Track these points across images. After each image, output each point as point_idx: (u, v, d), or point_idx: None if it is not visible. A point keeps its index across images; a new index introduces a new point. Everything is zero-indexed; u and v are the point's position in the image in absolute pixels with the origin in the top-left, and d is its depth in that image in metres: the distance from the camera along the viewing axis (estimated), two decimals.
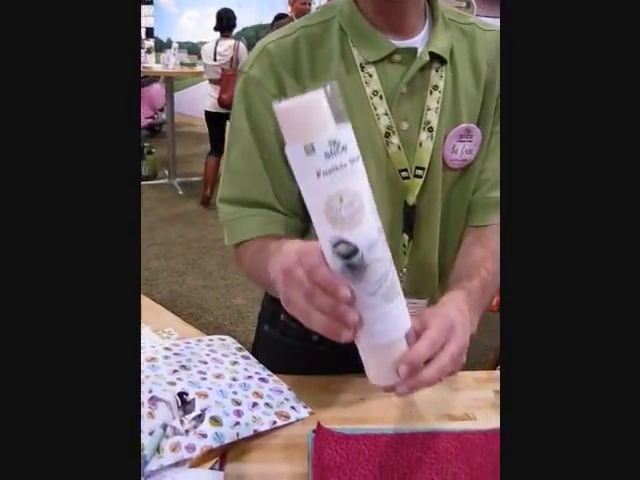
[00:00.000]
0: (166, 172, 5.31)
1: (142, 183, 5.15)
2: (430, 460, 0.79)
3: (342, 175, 0.49)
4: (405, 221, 0.90)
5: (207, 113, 4.72)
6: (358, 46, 0.84)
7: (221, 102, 4.41)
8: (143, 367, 0.95)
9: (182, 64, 5.33)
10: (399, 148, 0.85)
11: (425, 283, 0.96)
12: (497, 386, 0.93)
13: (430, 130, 0.85)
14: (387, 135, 0.85)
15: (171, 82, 5.25)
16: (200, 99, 7.68)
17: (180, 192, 5.00)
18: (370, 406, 0.94)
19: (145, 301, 1.22)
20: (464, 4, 5.01)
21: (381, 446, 0.80)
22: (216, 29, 4.80)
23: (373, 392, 0.98)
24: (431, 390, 0.99)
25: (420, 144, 0.86)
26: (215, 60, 4.68)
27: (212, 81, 4.70)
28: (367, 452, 0.79)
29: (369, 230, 0.51)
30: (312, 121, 0.49)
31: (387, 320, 0.55)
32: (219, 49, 4.68)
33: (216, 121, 4.54)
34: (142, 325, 1.11)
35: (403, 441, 0.81)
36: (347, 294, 0.51)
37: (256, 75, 0.85)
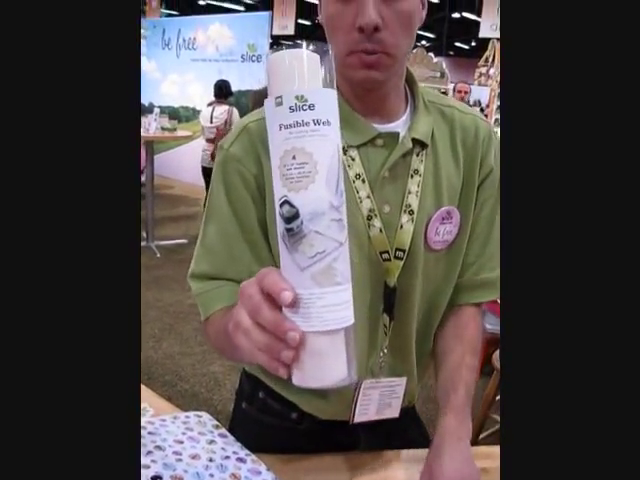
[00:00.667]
0: (144, 234, 5.29)
1: None
2: None
3: (301, 133, 0.48)
4: (385, 302, 0.90)
5: (203, 168, 5.42)
6: (340, 130, 0.85)
7: (214, 157, 4.50)
8: None
9: (163, 129, 5.39)
10: (381, 231, 0.86)
11: (405, 362, 0.96)
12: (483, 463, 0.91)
13: (411, 213, 0.86)
14: (369, 218, 0.85)
15: (151, 146, 5.29)
16: (179, 161, 7.81)
17: (157, 255, 4.97)
18: None
19: None
20: (438, 74, 5.19)
21: None
22: (216, 96, 5.40)
23: (356, 471, 0.95)
24: (411, 468, 0.97)
25: (401, 226, 0.86)
26: (212, 122, 5.33)
27: (208, 140, 5.38)
28: None
29: (317, 199, 0.48)
30: (288, 74, 0.48)
31: (313, 306, 0.50)
32: (215, 113, 5.33)
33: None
34: None
35: None
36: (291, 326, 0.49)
37: (236, 153, 0.85)
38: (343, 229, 0.51)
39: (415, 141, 0.86)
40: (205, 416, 1.08)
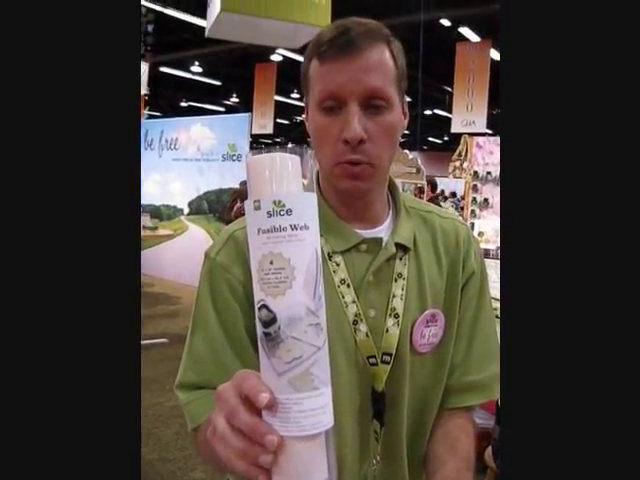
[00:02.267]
0: None
1: None
2: None
3: (278, 238, 0.48)
4: (375, 408, 0.88)
5: None
6: (326, 236, 0.87)
7: None
8: None
9: (145, 227, 5.44)
10: (367, 335, 0.86)
11: (398, 469, 0.93)
12: None
13: (396, 317, 0.87)
14: (355, 322, 0.85)
15: None
16: (160, 259, 7.82)
17: None
18: None
19: None
20: (414, 170, 5.35)
21: None
22: None
23: None
24: None
25: (387, 330, 0.86)
26: None
27: None
28: None
29: (294, 304, 0.48)
30: (267, 178, 0.49)
31: (290, 410, 0.49)
32: None
33: None
34: None
35: None
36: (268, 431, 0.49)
37: (223, 261, 0.86)
38: (321, 332, 0.50)
39: (398, 246, 0.88)
40: None
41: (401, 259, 0.89)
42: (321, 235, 0.87)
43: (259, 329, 0.50)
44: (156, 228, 5.62)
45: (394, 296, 0.87)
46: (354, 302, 0.86)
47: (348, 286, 0.86)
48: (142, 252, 6.75)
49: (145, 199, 7.80)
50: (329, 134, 0.80)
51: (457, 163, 6.59)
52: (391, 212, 0.93)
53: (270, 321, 0.49)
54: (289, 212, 0.48)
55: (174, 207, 7.84)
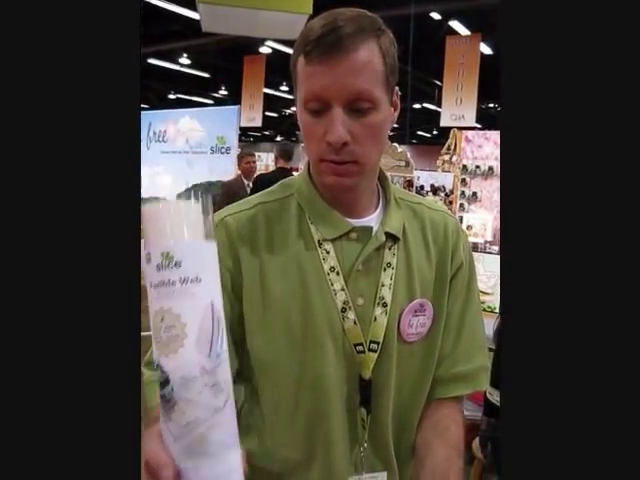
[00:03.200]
0: None
1: None
2: None
3: (168, 293, 0.44)
4: (362, 395, 0.89)
5: None
6: (316, 224, 0.88)
7: None
8: None
9: None
10: (355, 323, 0.87)
11: (384, 456, 0.94)
12: None
13: (384, 305, 0.88)
14: (343, 310, 0.86)
15: None
16: None
17: None
18: None
19: None
20: (403, 163, 5.36)
21: None
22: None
23: None
24: None
25: (375, 319, 0.87)
26: None
27: None
28: None
29: (186, 364, 0.45)
30: (157, 228, 0.45)
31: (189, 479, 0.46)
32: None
33: None
34: None
35: None
36: None
37: None
38: (221, 393, 0.46)
39: (388, 235, 0.89)
40: None
41: (390, 249, 0.89)
42: (312, 223, 0.88)
43: (158, 389, 0.47)
44: None
45: (383, 285, 0.88)
46: (343, 290, 0.86)
47: (337, 274, 0.86)
48: None
49: None
50: (314, 133, 0.81)
51: (446, 157, 6.62)
52: (381, 202, 0.94)
53: (164, 382, 0.46)
54: (178, 264, 0.44)
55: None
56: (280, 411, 0.90)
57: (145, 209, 0.46)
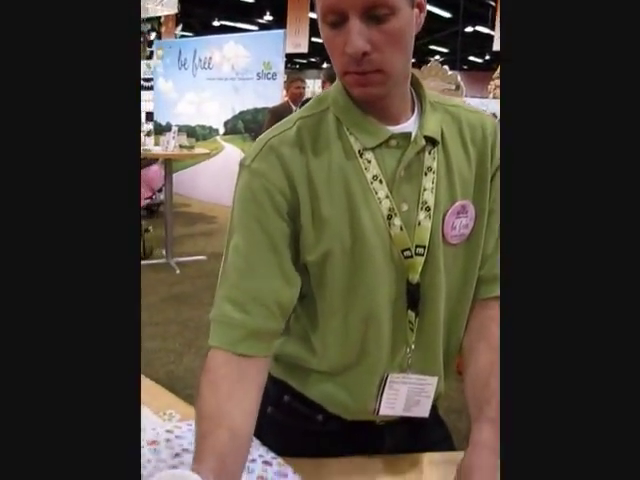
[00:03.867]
0: (163, 252, 5.33)
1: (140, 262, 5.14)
2: None
3: None
4: (409, 299, 0.91)
5: None
6: (355, 134, 0.88)
7: None
8: (144, 451, 0.92)
9: (181, 146, 5.44)
10: (401, 229, 0.88)
11: (432, 360, 0.97)
12: None
13: (427, 209, 0.89)
14: (389, 217, 0.87)
15: (170, 164, 5.35)
16: (195, 180, 7.89)
17: (177, 272, 5.00)
18: None
19: (145, 382, 1.20)
20: (453, 87, 5.20)
21: None
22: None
23: (382, 474, 0.95)
24: (437, 469, 0.97)
25: (419, 223, 0.88)
26: None
27: None
28: None
29: None
30: None
31: None
32: None
33: None
34: (142, 406, 1.09)
35: None
36: None
37: (259, 168, 0.86)
38: None
39: (427, 139, 0.89)
40: None
41: (430, 153, 0.89)
42: (350, 133, 0.88)
43: None
44: (192, 147, 5.59)
45: (425, 189, 0.88)
46: (387, 197, 0.87)
47: (380, 182, 0.87)
48: (177, 173, 6.81)
49: (180, 120, 7.78)
50: (335, 47, 0.80)
51: (498, 82, 6.38)
52: (417, 108, 0.93)
53: None
54: None
55: (209, 127, 7.83)
56: (332, 317, 0.93)
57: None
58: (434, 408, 1.06)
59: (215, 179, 7.40)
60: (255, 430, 1.08)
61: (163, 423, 1.06)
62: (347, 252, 0.88)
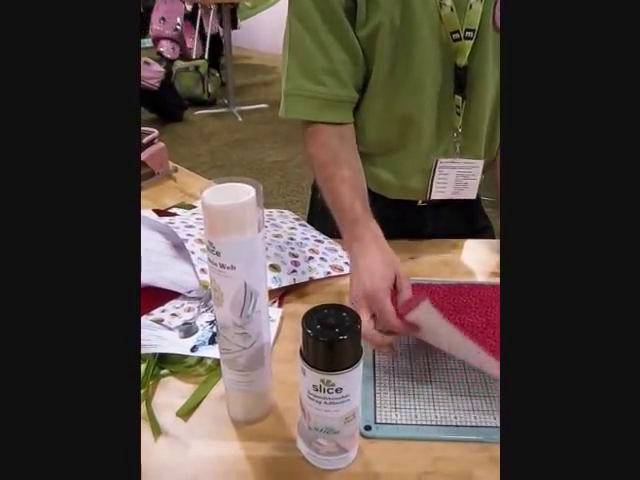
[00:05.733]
0: (226, 101, 5.38)
1: (203, 112, 5.23)
2: (475, 304, 0.83)
3: (213, 270, 0.58)
4: (457, 82, 0.92)
5: None
6: None
7: None
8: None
9: None
10: (452, 10, 0.87)
11: (477, 145, 0.99)
12: None
13: None
14: None
15: (227, 10, 5.23)
16: (255, 33, 7.69)
17: (239, 119, 5.07)
18: (420, 263, 1.00)
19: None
20: None
21: (430, 293, 0.85)
22: None
23: (422, 252, 1.03)
24: (478, 252, 1.03)
25: (470, 6, 0.87)
26: None
27: None
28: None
29: (223, 317, 0.61)
30: (210, 222, 0.56)
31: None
32: None
33: None
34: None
35: (450, 290, 0.85)
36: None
37: None
38: (248, 338, 0.62)
39: None
40: (287, 212, 1.18)
41: None
42: None
43: None
44: None
45: None
46: None
47: None
48: (239, 25, 6.65)
49: None
50: None
51: None
52: None
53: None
54: (218, 254, 0.56)
55: None
56: (377, 95, 0.95)
57: (206, 207, 0.55)
58: (477, 199, 1.11)
59: (275, 30, 7.16)
60: (307, 218, 1.17)
61: None
62: (396, 29, 0.88)
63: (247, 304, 0.60)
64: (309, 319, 0.56)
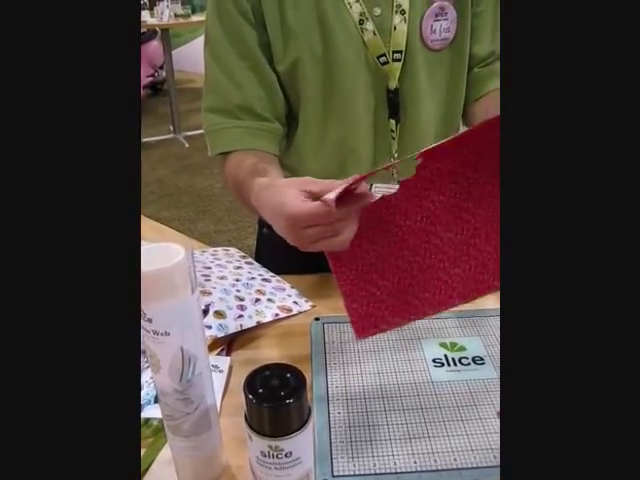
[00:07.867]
0: (171, 127, 5.30)
1: (149, 139, 5.15)
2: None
3: (146, 336, 0.55)
4: (390, 106, 0.91)
5: None
6: None
7: None
8: None
9: (176, 15, 5.23)
10: (374, 34, 0.86)
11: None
12: None
13: (402, 13, 0.86)
14: (361, 22, 0.85)
15: (168, 37, 5.18)
16: (196, 55, 7.62)
17: (186, 145, 5.00)
18: None
19: (150, 223, 1.25)
20: None
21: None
22: None
23: None
24: None
25: (394, 28, 0.86)
26: None
27: None
28: None
29: (162, 383, 0.57)
30: (144, 289, 0.52)
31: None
32: None
33: None
34: (146, 243, 1.14)
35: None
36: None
37: None
38: (190, 404, 0.58)
39: None
40: (232, 250, 1.14)
41: None
42: None
43: None
44: (188, 15, 5.35)
45: None
46: (357, 1, 0.85)
47: None
48: (178, 50, 6.60)
49: None
50: None
51: None
52: None
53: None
54: (150, 320, 0.53)
55: None
56: (310, 124, 0.94)
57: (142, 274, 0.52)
58: None
59: None
60: (254, 255, 1.14)
61: None
62: (318, 58, 0.87)
63: (186, 369, 0.57)
64: (251, 382, 0.53)
